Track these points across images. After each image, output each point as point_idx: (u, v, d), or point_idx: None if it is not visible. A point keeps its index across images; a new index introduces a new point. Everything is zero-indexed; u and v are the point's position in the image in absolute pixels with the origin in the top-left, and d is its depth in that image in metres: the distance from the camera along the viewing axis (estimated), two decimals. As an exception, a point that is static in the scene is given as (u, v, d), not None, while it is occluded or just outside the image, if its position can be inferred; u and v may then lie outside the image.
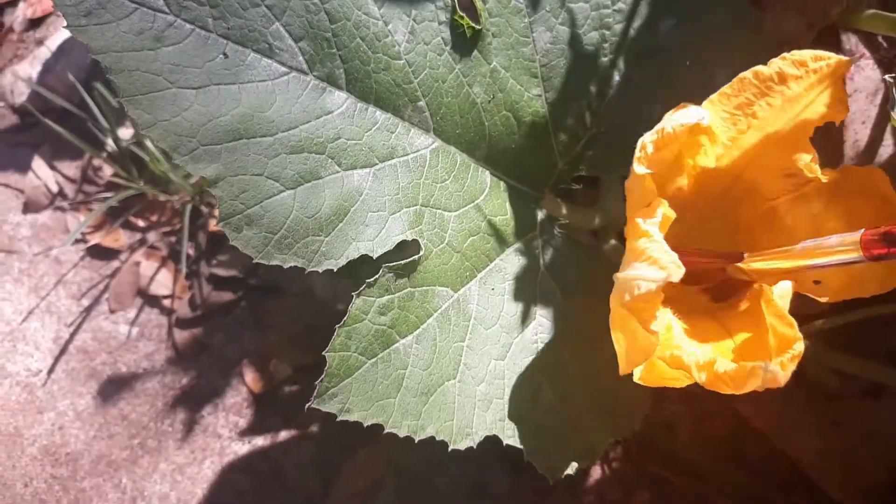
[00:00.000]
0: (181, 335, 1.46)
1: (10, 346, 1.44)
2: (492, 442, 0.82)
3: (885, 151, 0.94)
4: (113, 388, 1.42)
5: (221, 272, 1.50)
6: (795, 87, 0.71)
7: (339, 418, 0.72)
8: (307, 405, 0.71)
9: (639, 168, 0.69)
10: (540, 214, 0.93)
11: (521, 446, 0.84)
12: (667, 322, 0.73)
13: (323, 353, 0.72)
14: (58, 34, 1.68)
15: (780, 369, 0.62)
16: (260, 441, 1.37)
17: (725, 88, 0.73)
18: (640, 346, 0.66)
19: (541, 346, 0.88)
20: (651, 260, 0.64)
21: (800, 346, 0.65)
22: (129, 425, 1.38)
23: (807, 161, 0.75)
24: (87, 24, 0.67)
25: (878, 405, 1.08)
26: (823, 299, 0.77)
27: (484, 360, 0.83)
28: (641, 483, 1.24)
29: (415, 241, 0.80)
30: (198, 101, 0.70)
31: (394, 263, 0.77)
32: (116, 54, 0.67)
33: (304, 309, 1.45)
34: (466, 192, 0.86)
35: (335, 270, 0.75)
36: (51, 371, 1.43)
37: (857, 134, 0.95)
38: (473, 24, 0.83)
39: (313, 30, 0.75)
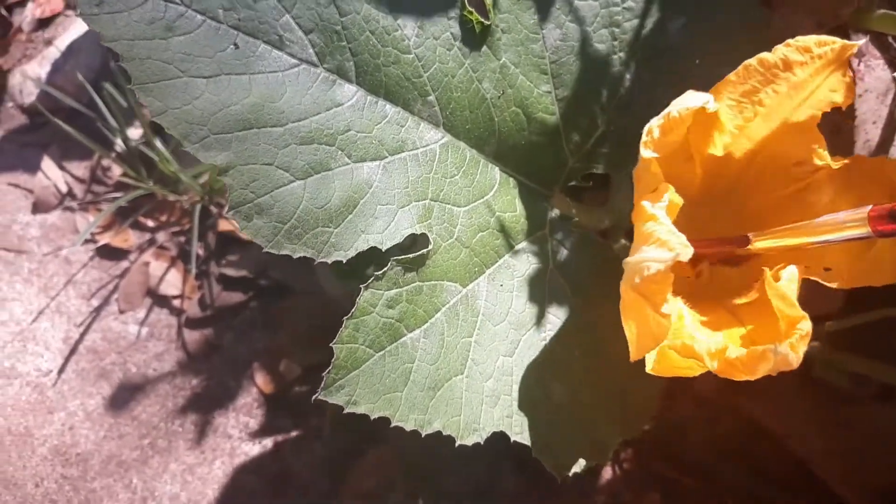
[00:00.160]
0: (191, 335, 1.46)
1: (20, 346, 1.45)
2: (501, 442, 0.82)
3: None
4: (123, 388, 1.42)
5: (231, 272, 1.50)
6: (801, 73, 0.71)
7: (346, 410, 0.72)
8: (314, 397, 0.71)
9: (645, 152, 0.69)
10: (550, 212, 0.93)
11: (528, 443, 0.83)
12: (678, 311, 0.73)
13: (331, 344, 0.72)
14: (67, 34, 1.69)
15: (791, 351, 0.62)
16: (270, 441, 1.37)
17: (731, 76, 0.73)
18: (652, 331, 0.65)
19: (549, 343, 0.87)
20: (659, 242, 0.64)
21: (806, 325, 0.65)
22: (140, 425, 1.39)
23: (815, 148, 0.75)
24: (100, 12, 0.67)
25: (887, 407, 1.08)
26: (833, 285, 0.77)
27: (492, 357, 0.83)
28: (652, 484, 1.24)
29: (423, 236, 0.80)
30: (209, 90, 0.70)
31: (402, 257, 0.77)
32: (128, 42, 0.68)
33: (314, 309, 1.45)
34: (476, 187, 0.86)
35: (344, 262, 0.75)
36: (61, 371, 1.43)
37: (868, 134, 0.95)
38: (483, 20, 0.83)
39: (323, 22, 0.75)
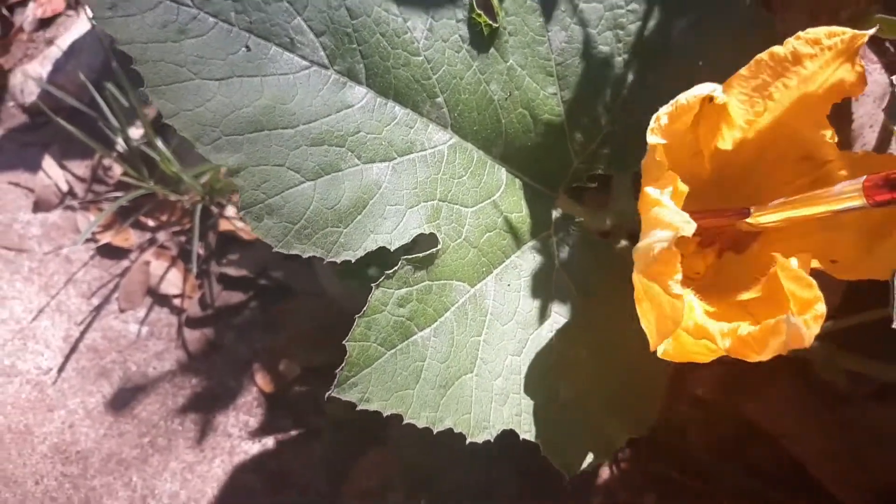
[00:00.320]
0: (191, 335, 1.47)
1: (20, 344, 1.45)
2: (501, 444, 0.82)
3: (891, 156, 0.94)
4: (123, 387, 1.42)
5: (232, 272, 1.50)
6: (811, 65, 0.71)
7: (359, 407, 0.72)
8: (327, 394, 0.71)
9: (652, 138, 0.69)
10: (555, 213, 0.93)
11: (537, 441, 0.84)
12: (688, 302, 0.73)
13: (343, 342, 0.72)
14: (68, 34, 1.69)
15: (804, 326, 0.62)
16: (270, 441, 1.38)
17: (742, 71, 0.74)
18: (668, 315, 0.65)
19: (556, 342, 0.88)
20: (663, 224, 0.64)
21: (822, 307, 0.65)
22: (140, 424, 1.39)
23: (825, 141, 0.75)
24: (113, 15, 0.67)
25: (884, 407, 1.08)
26: (841, 277, 0.77)
27: (500, 356, 0.84)
28: (649, 484, 1.24)
29: (432, 236, 0.80)
30: (220, 93, 0.70)
31: (412, 256, 0.77)
32: (141, 45, 0.68)
33: (314, 309, 1.45)
34: (483, 188, 0.86)
35: (353, 261, 0.75)
36: (61, 369, 1.43)
37: (865, 138, 0.96)
38: (490, 22, 0.83)
39: (334, 25, 0.75)
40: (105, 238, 1.53)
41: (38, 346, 1.45)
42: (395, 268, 0.76)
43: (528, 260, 0.89)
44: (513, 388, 0.84)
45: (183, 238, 1.54)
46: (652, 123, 0.70)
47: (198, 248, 1.48)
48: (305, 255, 0.74)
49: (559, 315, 0.89)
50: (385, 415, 0.74)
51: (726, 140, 0.77)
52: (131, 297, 1.49)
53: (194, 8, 0.70)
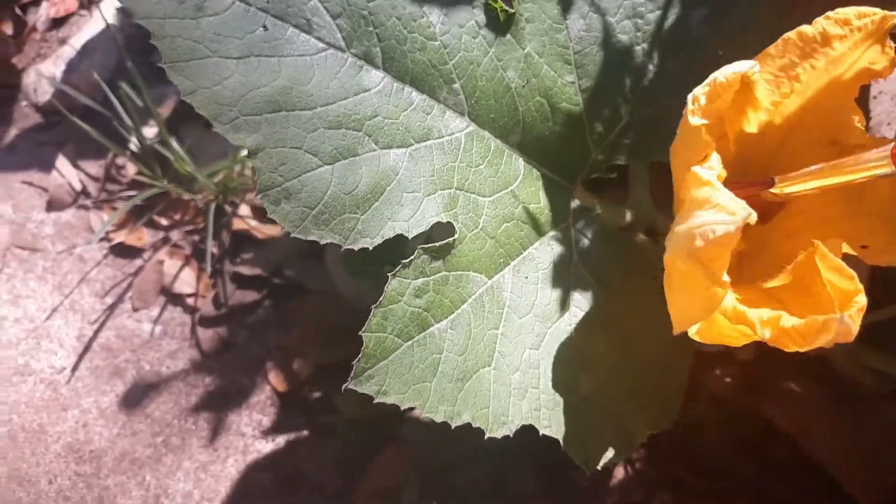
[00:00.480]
0: (205, 333, 1.46)
1: (34, 343, 1.44)
2: (516, 441, 0.81)
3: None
4: (136, 386, 1.42)
5: (245, 271, 1.49)
6: (840, 46, 0.70)
7: (376, 400, 0.71)
8: (344, 386, 0.70)
9: (693, 119, 0.68)
10: (573, 204, 0.92)
11: (557, 436, 0.83)
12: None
13: (360, 332, 0.71)
14: (81, 33, 1.69)
15: (852, 322, 0.60)
16: (283, 440, 1.37)
17: (770, 49, 0.72)
18: (703, 302, 0.64)
19: (575, 335, 0.87)
20: (718, 207, 0.62)
21: (862, 299, 0.64)
22: (153, 423, 1.38)
23: (853, 124, 0.74)
24: (131, -11, 0.67)
25: (902, 406, 1.08)
26: (872, 262, 0.76)
27: (518, 349, 0.83)
28: (664, 484, 1.23)
29: (449, 225, 0.79)
30: (238, 71, 0.70)
31: (429, 245, 0.76)
32: (159, 21, 0.68)
33: (328, 308, 1.45)
34: (500, 177, 0.85)
35: (370, 249, 0.75)
36: (74, 369, 1.43)
37: (883, 136, 0.95)
38: (507, 8, 0.83)
39: (350, 7, 0.74)
40: (119, 237, 1.52)
41: (51, 345, 1.44)
42: (412, 257, 0.75)
43: (545, 252, 0.88)
44: (531, 383, 0.82)
45: (196, 237, 1.54)
46: (690, 105, 0.68)
47: (211, 247, 1.47)
48: (323, 242, 0.73)
49: (578, 308, 0.88)
50: (402, 408, 0.73)
51: (752, 123, 0.75)
52: (145, 296, 1.49)
53: (212, -15, 0.70)
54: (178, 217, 1.55)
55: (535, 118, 0.87)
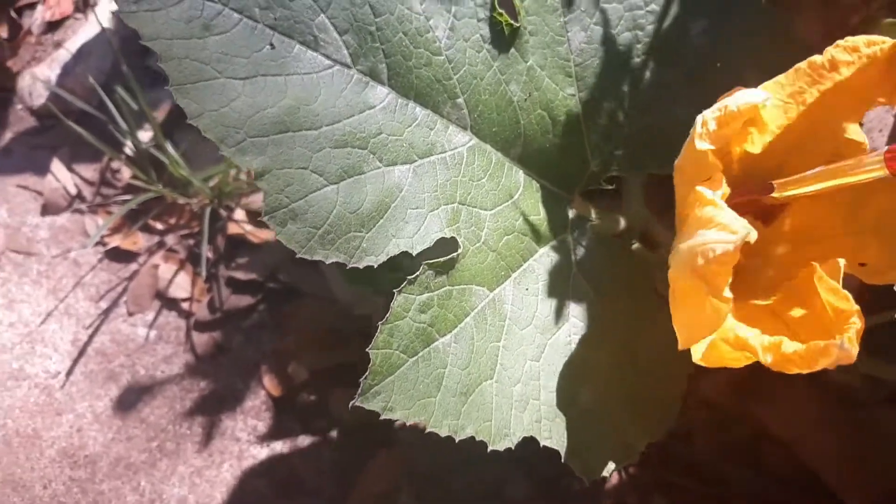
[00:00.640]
0: (200, 338, 1.46)
1: (28, 347, 1.44)
2: (509, 447, 0.82)
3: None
4: (131, 390, 1.41)
5: (240, 275, 1.49)
6: (846, 72, 0.71)
7: (382, 416, 0.71)
8: (351, 403, 0.70)
9: (701, 144, 0.68)
10: (571, 215, 0.93)
11: (558, 448, 0.83)
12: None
13: (367, 349, 0.71)
14: (76, 37, 1.69)
15: (851, 346, 0.61)
16: (278, 445, 1.37)
17: (780, 78, 0.73)
18: (707, 319, 0.65)
19: (575, 347, 0.87)
20: (720, 226, 0.63)
21: (859, 322, 0.64)
22: (148, 428, 1.38)
23: (859, 147, 0.75)
24: (138, 10, 0.67)
25: (897, 411, 1.08)
26: (871, 282, 0.77)
27: (519, 361, 0.83)
28: (658, 489, 1.24)
29: (452, 239, 0.79)
30: (245, 92, 0.70)
31: (433, 261, 0.77)
32: (167, 42, 0.67)
33: (323, 313, 1.45)
34: (502, 190, 0.86)
35: (375, 266, 0.75)
36: (69, 373, 1.42)
37: (875, 142, 0.96)
38: (511, 22, 0.83)
39: (357, 23, 0.74)
40: (113, 241, 1.52)
41: (46, 349, 1.44)
42: (417, 273, 0.75)
43: (545, 263, 0.88)
44: (532, 395, 0.83)
45: (192, 241, 1.53)
46: (699, 128, 0.69)
47: (206, 252, 1.47)
48: (328, 261, 0.73)
49: (577, 319, 0.88)
50: (408, 423, 0.73)
51: (756, 144, 0.76)
52: (139, 300, 1.48)
53: (219, 3, 0.69)
54: (173, 221, 1.55)
55: (536, 131, 0.88)
